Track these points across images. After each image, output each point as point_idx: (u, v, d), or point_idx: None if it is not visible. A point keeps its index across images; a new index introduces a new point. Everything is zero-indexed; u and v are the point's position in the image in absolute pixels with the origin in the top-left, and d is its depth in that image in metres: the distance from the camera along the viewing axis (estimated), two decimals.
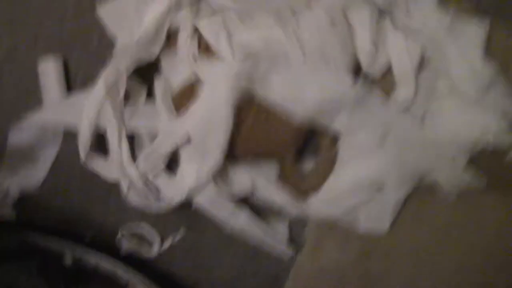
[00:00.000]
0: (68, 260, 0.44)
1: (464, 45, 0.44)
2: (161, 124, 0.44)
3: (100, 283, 0.45)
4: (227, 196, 0.44)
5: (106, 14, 0.44)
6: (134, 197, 0.44)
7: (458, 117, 0.44)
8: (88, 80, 0.44)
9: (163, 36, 0.43)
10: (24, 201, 0.46)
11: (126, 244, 0.47)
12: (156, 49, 0.43)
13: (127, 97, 0.44)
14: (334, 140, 0.45)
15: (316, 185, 0.45)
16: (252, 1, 0.43)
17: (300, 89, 0.42)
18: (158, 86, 0.44)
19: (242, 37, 0.43)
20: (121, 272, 0.44)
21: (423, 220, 0.46)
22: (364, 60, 0.43)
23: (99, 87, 0.42)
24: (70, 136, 0.45)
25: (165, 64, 0.45)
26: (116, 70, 0.42)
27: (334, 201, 0.45)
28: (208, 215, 0.44)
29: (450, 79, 0.44)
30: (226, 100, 0.41)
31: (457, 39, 0.44)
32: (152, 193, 0.44)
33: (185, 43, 0.43)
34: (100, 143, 0.44)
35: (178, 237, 0.48)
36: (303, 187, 0.45)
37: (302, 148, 0.46)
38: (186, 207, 0.44)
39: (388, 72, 0.45)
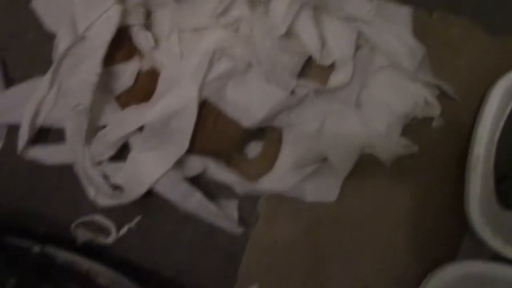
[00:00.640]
0: (36, 249, 0.44)
1: (395, 25, 0.47)
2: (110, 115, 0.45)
3: (60, 274, 0.46)
4: (179, 179, 0.45)
5: (39, 7, 0.44)
6: (101, 199, 0.45)
7: (393, 90, 0.48)
8: (27, 76, 0.43)
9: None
10: None
11: (82, 234, 0.48)
12: None
13: None
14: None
15: (266, 169, 0.48)
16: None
17: (248, 101, 0.44)
18: None
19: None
20: (80, 260, 0.45)
21: (364, 189, 0.49)
22: (315, 55, 0.46)
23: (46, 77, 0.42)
24: (13, 131, 0.45)
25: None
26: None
27: (281, 178, 0.47)
28: (161, 198, 0.45)
29: (388, 54, 0.47)
30: (192, 89, 0.42)
31: (387, 21, 0.47)
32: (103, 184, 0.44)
33: (141, 35, 0.44)
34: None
35: (134, 222, 0.49)
36: (252, 172, 0.47)
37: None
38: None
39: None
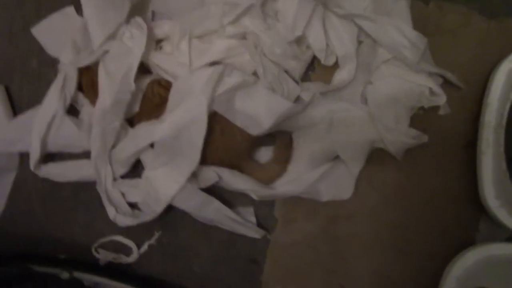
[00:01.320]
0: (65, 275, 0.45)
1: (394, 19, 0.47)
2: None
3: None
4: (195, 190, 0.45)
5: (40, 33, 0.44)
6: (121, 219, 0.45)
7: (398, 82, 0.48)
8: (34, 102, 0.43)
9: None
10: None
11: (103, 255, 0.48)
12: None
13: None
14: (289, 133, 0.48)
15: (279, 173, 0.48)
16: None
17: (256, 111, 0.44)
18: None
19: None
20: (106, 281, 0.45)
21: (377, 181, 0.49)
22: (320, 56, 0.46)
23: (49, 97, 0.42)
24: (27, 159, 0.45)
25: None
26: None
27: (296, 180, 0.47)
28: (179, 211, 0.45)
29: (390, 48, 0.47)
30: (202, 102, 0.42)
31: (386, 15, 0.47)
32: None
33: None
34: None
35: (153, 238, 0.49)
36: (266, 176, 0.47)
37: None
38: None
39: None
